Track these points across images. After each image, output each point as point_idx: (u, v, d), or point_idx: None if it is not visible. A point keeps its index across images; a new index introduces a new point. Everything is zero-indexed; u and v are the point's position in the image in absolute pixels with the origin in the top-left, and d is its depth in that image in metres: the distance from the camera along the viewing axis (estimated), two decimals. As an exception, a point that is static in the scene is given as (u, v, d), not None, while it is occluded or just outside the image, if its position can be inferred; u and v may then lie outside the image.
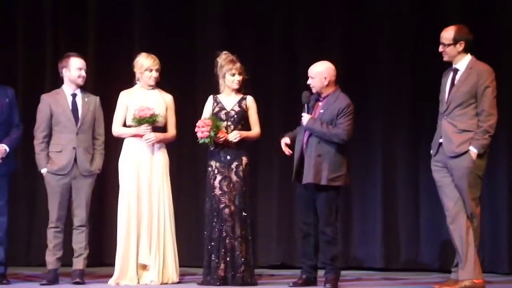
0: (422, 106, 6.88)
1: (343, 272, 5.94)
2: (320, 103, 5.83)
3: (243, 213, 5.87)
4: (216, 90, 6.02)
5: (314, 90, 5.82)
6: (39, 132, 5.98)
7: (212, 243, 5.82)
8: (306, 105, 5.79)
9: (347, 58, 7.10)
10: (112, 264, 6.10)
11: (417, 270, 6.92)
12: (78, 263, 5.95)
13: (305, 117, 5.73)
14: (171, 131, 6.10)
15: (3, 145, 5.90)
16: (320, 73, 5.78)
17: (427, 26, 6.85)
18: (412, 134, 7.11)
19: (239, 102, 5.97)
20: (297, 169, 5.78)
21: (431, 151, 5.64)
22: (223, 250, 5.79)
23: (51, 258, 5.92)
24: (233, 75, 5.94)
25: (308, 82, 5.82)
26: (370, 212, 7.18)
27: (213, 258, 5.80)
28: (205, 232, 5.89)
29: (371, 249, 7.12)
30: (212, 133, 5.78)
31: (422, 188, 7.04)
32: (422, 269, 6.93)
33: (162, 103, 6.06)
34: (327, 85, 5.78)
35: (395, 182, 7.16)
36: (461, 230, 5.42)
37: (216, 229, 5.83)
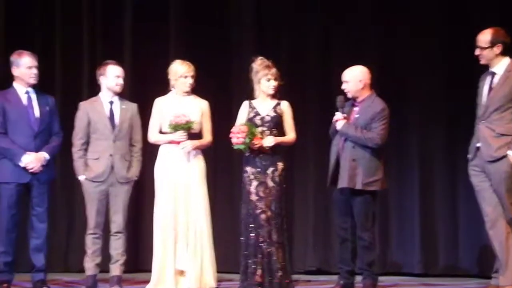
0: (459, 110, 6.82)
1: (380, 278, 5.90)
2: (355, 108, 5.80)
3: (279, 218, 5.85)
4: (251, 96, 6.03)
5: (349, 95, 5.80)
6: (77, 140, 6.04)
7: (249, 249, 5.81)
8: (340, 110, 5.77)
9: (383, 61, 7.06)
10: (149, 270, 6.12)
11: (456, 276, 6.84)
12: (116, 269, 5.99)
13: (339, 122, 5.70)
14: (207, 137, 6.12)
15: (44, 153, 5.96)
16: (355, 76, 5.76)
17: (463, 28, 6.79)
18: (450, 138, 7.04)
19: (274, 108, 5.97)
20: (332, 173, 5.76)
21: (469, 156, 5.58)
22: (259, 256, 5.78)
23: (90, 264, 5.96)
24: (269, 80, 5.94)
25: (343, 87, 5.80)
26: (408, 217, 7.12)
27: (249, 264, 5.80)
28: (242, 238, 5.89)
29: (409, 254, 7.06)
30: (247, 140, 5.79)
31: (460, 193, 6.97)
32: (461, 275, 6.85)
33: (197, 109, 6.08)
34: (362, 89, 5.75)
35: (433, 187, 7.10)
36: (500, 236, 5.35)
37: (253, 235, 5.82)
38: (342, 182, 5.64)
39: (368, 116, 5.69)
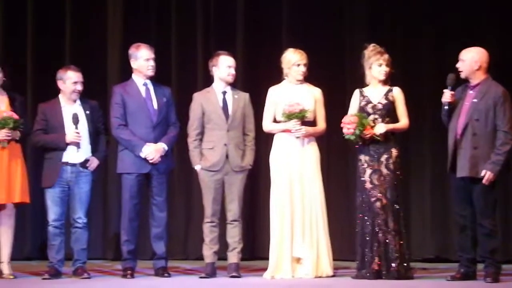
0: None
1: (503, 266, 5.73)
2: (470, 92, 5.64)
3: (396, 206, 5.79)
4: (363, 83, 5.97)
5: (462, 75, 5.66)
6: (192, 130, 6.15)
7: (365, 238, 5.78)
8: (449, 88, 5.62)
9: (502, 45, 6.83)
10: (265, 257, 6.19)
11: None
12: (233, 257, 6.07)
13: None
14: (321, 124, 6.11)
15: (162, 143, 6.10)
16: (472, 57, 5.61)
17: None
18: None
19: (386, 94, 5.89)
20: (452, 160, 5.63)
21: None
22: (376, 244, 5.74)
23: (208, 252, 6.07)
24: (380, 65, 5.87)
25: (458, 65, 5.66)
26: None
27: (366, 252, 5.76)
28: (357, 227, 5.86)
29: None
30: (357, 131, 5.75)
31: None
32: None
33: (310, 97, 6.07)
34: (477, 70, 5.59)
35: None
36: None
37: (368, 223, 5.78)
38: (463, 171, 5.51)
39: (490, 101, 5.52)
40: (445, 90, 5.65)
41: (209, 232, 6.07)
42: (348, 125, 5.78)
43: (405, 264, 5.76)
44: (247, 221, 6.64)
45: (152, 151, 6.04)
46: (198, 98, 6.19)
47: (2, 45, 7.76)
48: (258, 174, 6.86)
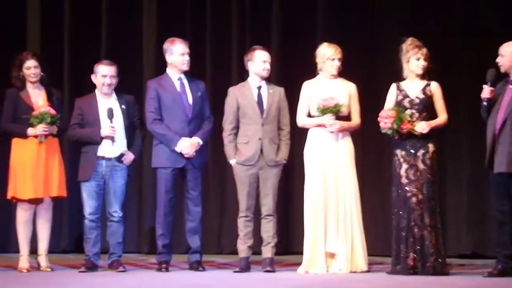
0: None
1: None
2: (510, 86, 5.57)
3: (432, 202, 5.75)
4: (398, 78, 5.92)
5: (502, 69, 5.60)
6: (227, 124, 6.16)
7: (400, 233, 5.74)
8: (489, 84, 5.55)
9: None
10: (299, 252, 6.19)
11: None
12: (267, 252, 6.06)
13: None
14: (355, 119, 6.08)
15: (197, 138, 6.11)
16: (511, 51, 5.52)
17: None
18: None
19: (423, 89, 5.84)
20: (490, 155, 5.55)
21: None
22: (411, 239, 5.69)
23: (243, 246, 6.07)
24: (418, 59, 5.82)
25: (497, 60, 5.59)
26: None
27: (401, 247, 5.72)
28: (393, 222, 5.82)
29: None
30: (394, 126, 5.71)
31: None
32: None
33: (345, 92, 6.04)
34: (516, 65, 5.52)
35: None
36: None
37: (404, 219, 5.74)
38: (501, 167, 5.44)
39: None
40: (484, 86, 5.58)
41: (243, 226, 6.07)
42: (386, 119, 5.74)
43: (441, 260, 5.71)
44: (281, 216, 6.64)
45: (187, 145, 6.07)
46: (233, 93, 6.19)
47: (40, 40, 7.85)
48: (292, 168, 6.85)
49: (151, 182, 7.09)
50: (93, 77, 6.24)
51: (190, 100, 6.17)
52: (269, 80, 6.28)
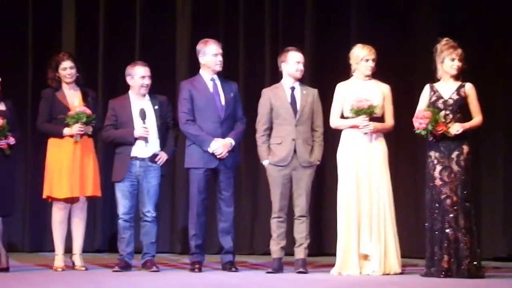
0: None
1: None
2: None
3: (466, 203, 5.69)
4: (432, 79, 5.87)
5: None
6: (261, 126, 6.15)
7: (434, 235, 5.69)
8: None
9: None
10: (332, 253, 6.16)
11: None
12: (300, 253, 6.04)
13: None
14: (389, 121, 6.04)
15: (230, 139, 6.12)
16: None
17: None
18: None
19: (458, 90, 5.79)
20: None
21: None
22: (446, 241, 5.64)
23: (275, 247, 6.05)
24: (453, 60, 5.77)
25: None
26: None
27: (435, 250, 5.67)
28: (426, 224, 5.77)
29: None
30: (429, 127, 5.66)
31: None
32: None
33: (379, 93, 6.01)
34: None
35: None
36: None
37: (438, 221, 5.69)
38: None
39: None
40: None
41: (276, 227, 6.06)
42: (421, 120, 5.70)
43: (476, 263, 5.65)
44: (314, 217, 6.62)
45: (220, 146, 6.08)
46: (267, 94, 6.19)
47: (75, 42, 7.93)
48: (325, 170, 6.83)
49: (183, 183, 7.12)
50: (128, 78, 6.28)
51: (223, 101, 6.18)
52: (302, 81, 6.27)
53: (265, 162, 6.14)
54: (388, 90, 6.06)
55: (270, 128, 6.13)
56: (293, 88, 6.16)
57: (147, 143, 6.17)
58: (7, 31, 7.95)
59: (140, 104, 6.24)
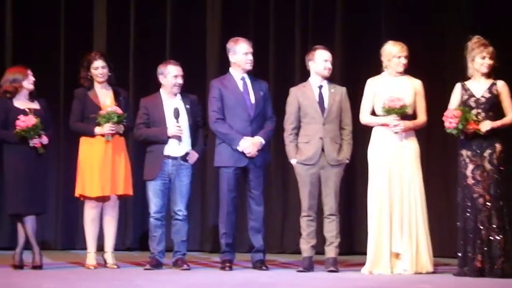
0: None
1: None
2: None
3: (499, 202, 5.64)
4: (464, 77, 5.82)
5: None
6: (288, 124, 6.14)
7: (467, 235, 5.65)
8: None
9: None
10: (362, 252, 6.14)
11: None
12: (331, 251, 6.03)
13: None
14: (421, 117, 6.00)
15: (260, 137, 6.13)
16: None
17: None
18: None
19: (490, 88, 5.74)
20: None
21: None
22: (479, 241, 5.60)
23: (305, 246, 6.05)
24: (483, 58, 5.72)
25: None
26: None
27: (468, 249, 5.63)
28: (458, 223, 5.74)
29: None
30: (460, 126, 5.62)
31: None
32: None
33: (410, 90, 5.97)
34: None
35: None
36: None
37: (471, 220, 5.65)
38: None
39: None
40: None
41: (306, 226, 6.06)
42: (451, 119, 5.65)
43: (510, 262, 5.60)
44: (344, 216, 6.59)
45: (250, 145, 6.09)
46: (295, 93, 6.18)
47: (107, 42, 7.98)
48: (355, 168, 6.80)
49: (213, 181, 7.14)
50: (161, 77, 6.30)
51: (253, 100, 6.18)
52: (332, 79, 6.25)
53: (293, 161, 6.13)
54: (420, 86, 6.02)
55: (298, 127, 6.13)
56: (320, 87, 6.14)
57: (180, 142, 6.20)
58: (40, 31, 8.03)
59: (172, 103, 6.26)
